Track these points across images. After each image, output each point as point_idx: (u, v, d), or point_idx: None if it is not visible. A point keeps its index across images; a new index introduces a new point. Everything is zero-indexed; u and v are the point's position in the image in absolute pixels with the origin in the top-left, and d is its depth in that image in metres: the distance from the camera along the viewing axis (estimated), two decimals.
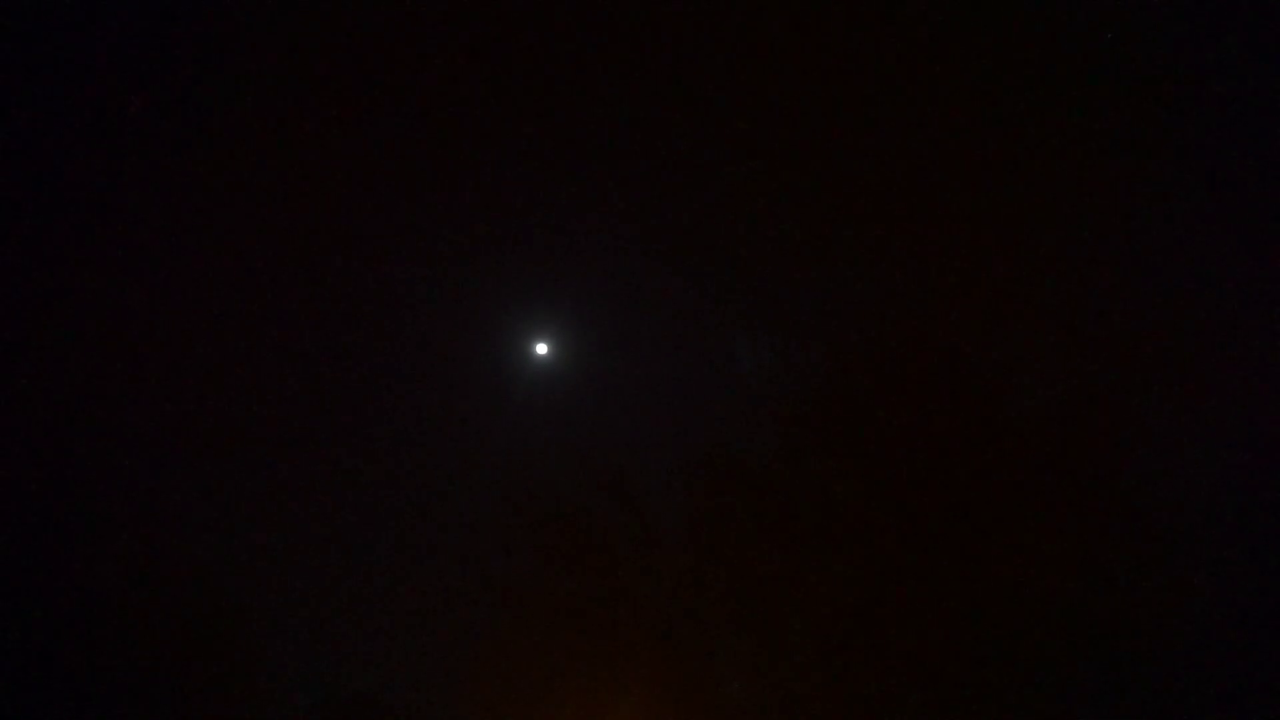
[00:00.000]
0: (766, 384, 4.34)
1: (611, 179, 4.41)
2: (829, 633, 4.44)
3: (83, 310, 4.53)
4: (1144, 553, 6.03)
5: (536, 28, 4.27)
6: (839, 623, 4.39)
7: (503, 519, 5.16)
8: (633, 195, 4.45)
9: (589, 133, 4.37)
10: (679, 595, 4.48)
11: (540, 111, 4.38)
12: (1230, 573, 5.85)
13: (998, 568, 5.00)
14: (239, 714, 5.77)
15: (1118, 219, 5.41)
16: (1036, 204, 4.72)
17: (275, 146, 4.22)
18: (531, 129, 4.38)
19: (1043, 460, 5.55)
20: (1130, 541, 6.03)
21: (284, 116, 4.21)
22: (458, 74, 4.31)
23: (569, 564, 4.52)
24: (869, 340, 4.20)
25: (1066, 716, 5.79)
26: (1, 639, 5.13)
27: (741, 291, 4.32)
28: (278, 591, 5.03)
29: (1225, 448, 4.91)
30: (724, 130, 4.29)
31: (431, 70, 4.30)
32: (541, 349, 4.41)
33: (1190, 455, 4.85)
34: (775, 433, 4.42)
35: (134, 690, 5.61)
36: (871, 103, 4.34)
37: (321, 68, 4.20)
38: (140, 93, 4.21)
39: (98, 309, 4.39)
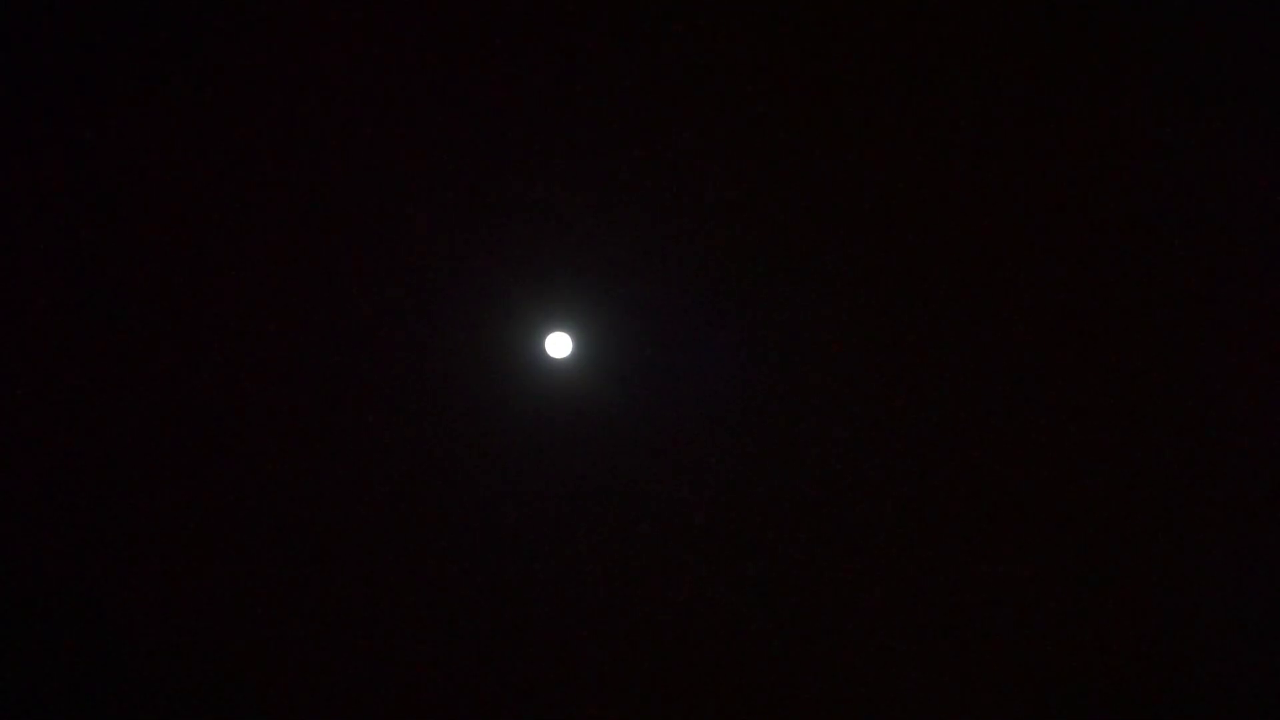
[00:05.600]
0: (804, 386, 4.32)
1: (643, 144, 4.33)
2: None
3: (83, 307, 4.53)
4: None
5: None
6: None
7: (510, 527, 5.08)
8: (670, 157, 4.37)
9: (620, 98, 4.30)
10: (707, 617, 4.45)
11: (569, 68, 4.32)
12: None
13: (998, 569, 5.01)
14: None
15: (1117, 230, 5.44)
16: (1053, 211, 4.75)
17: (277, 123, 4.19)
18: (558, 85, 4.32)
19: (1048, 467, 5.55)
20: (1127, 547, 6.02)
21: (287, 91, 4.19)
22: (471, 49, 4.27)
23: (588, 581, 4.47)
24: (907, 339, 4.20)
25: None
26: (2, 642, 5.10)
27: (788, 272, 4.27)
28: (274, 595, 4.98)
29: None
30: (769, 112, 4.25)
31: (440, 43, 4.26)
32: (559, 341, 4.36)
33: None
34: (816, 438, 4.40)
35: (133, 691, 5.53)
36: (912, 97, 4.32)
37: (327, 43, 4.17)
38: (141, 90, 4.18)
39: (98, 306, 4.38)
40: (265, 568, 4.43)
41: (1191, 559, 4.40)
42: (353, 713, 4.48)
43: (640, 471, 4.30)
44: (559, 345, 4.29)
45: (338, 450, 4.34)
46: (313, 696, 4.49)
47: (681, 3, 4.21)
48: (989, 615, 4.43)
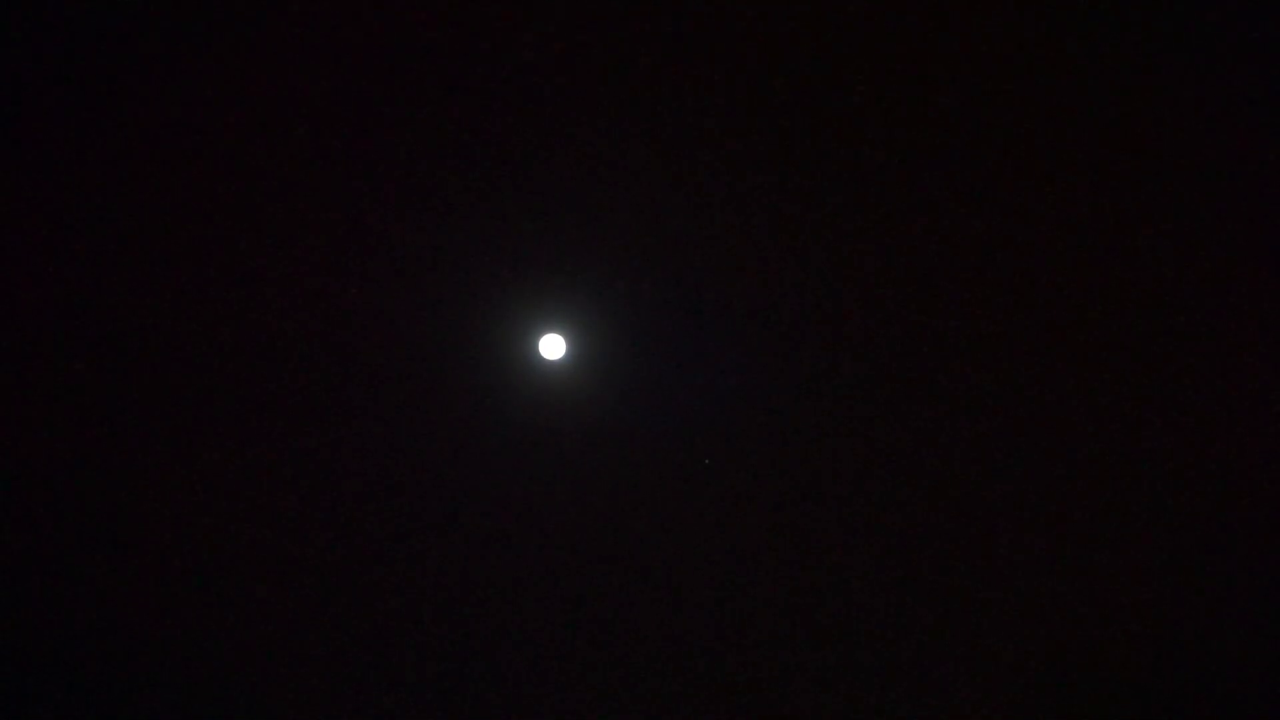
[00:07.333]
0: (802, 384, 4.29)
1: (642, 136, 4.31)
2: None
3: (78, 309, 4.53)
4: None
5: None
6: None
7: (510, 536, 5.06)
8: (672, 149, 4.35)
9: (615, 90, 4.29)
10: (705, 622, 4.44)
11: (564, 63, 4.31)
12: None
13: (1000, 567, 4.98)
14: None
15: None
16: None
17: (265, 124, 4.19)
18: (552, 78, 4.31)
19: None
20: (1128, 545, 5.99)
21: (278, 92, 4.18)
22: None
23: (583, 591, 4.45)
24: (899, 333, 4.18)
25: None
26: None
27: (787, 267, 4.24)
28: (267, 594, 4.97)
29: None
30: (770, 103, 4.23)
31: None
32: (553, 343, 4.35)
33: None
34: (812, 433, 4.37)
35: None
36: (908, 99, 4.30)
37: (324, 42, 4.17)
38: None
39: (99, 306, 4.37)
40: (259, 567, 4.43)
41: (1191, 559, 4.38)
42: (346, 712, 4.48)
43: (634, 472, 4.30)
44: (553, 347, 4.28)
45: (332, 451, 4.34)
46: (306, 695, 4.50)
47: (680, 4, 4.20)
48: (984, 619, 4.42)
